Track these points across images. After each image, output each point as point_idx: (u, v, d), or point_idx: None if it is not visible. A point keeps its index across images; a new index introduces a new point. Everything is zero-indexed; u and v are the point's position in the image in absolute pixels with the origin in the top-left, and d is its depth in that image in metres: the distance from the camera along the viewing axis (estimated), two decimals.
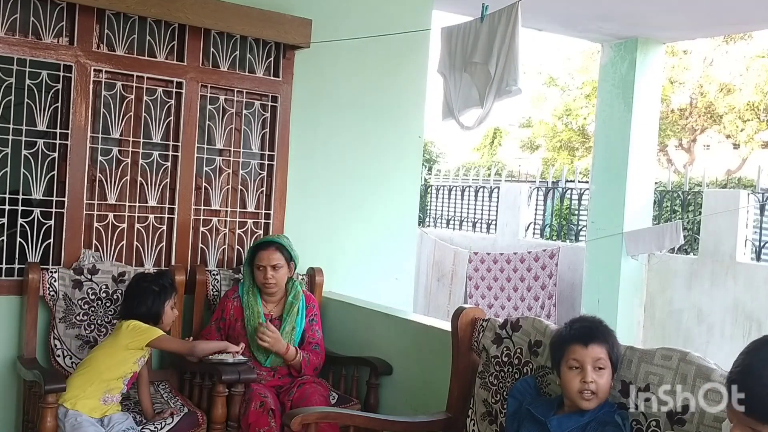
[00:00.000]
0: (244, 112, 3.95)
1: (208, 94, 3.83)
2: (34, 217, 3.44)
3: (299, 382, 3.37)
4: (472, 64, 3.66)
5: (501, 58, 3.47)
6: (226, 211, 3.91)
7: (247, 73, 3.91)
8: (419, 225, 9.25)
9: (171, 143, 3.74)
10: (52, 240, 3.48)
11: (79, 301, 3.38)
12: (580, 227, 8.63)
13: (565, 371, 2.17)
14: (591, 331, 2.18)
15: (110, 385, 2.92)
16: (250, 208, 3.98)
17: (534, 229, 9.04)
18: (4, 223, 3.39)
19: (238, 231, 3.96)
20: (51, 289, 3.33)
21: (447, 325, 2.92)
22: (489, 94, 3.54)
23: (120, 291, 3.42)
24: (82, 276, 3.41)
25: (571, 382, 2.14)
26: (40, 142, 3.45)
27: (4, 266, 3.42)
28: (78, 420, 2.83)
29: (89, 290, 3.41)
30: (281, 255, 3.45)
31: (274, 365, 3.42)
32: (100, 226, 3.58)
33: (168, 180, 3.75)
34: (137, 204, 3.69)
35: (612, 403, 2.17)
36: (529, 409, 2.23)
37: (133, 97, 3.63)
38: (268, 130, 4.03)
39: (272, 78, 3.99)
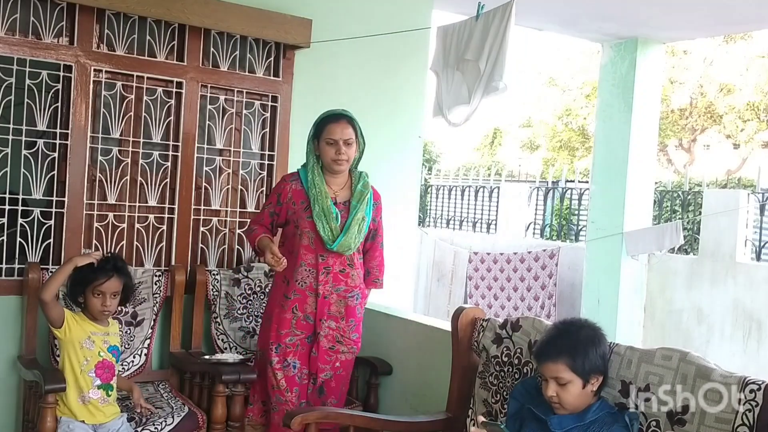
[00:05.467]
0: (244, 112, 3.95)
1: (208, 94, 3.83)
2: (34, 217, 3.44)
3: (331, 365, 3.25)
4: (464, 62, 3.66)
5: (492, 55, 3.48)
6: (226, 211, 3.91)
7: (247, 73, 3.91)
8: (419, 225, 9.25)
9: (171, 143, 3.74)
10: (52, 240, 3.48)
11: None
12: (580, 227, 8.63)
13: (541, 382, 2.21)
14: (546, 348, 2.19)
15: (80, 382, 2.85)
16: (250, 208, 3.98)
17: (534, 229, 9.05)
18: (4, 223, 3.39)
19: (238, 231, 3.96)
20: None
21: (447, 325, 2.92)
22: (477, 90, 3.55)
23: None
24: None
25: (544, 393, 2.18)
26: (40, 142, 3.45)
27: (4, 266, 3.42)
28: (70, 426, 2.81)
29: None
30: (353, 130, 3.17)
31: (342, 250, 3.18)
32: (100, 226, 3.59)
33: (168, 180, 3.75)
34: (137, 204, 3.69)
35: (611, 405, 2.17)
36: (531, 408, 2.24)
37: (133, 97, 3.63)
38: (268, 130, 4.03)
39: (272, 78, 3.99)
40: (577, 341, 2.16)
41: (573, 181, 9.32)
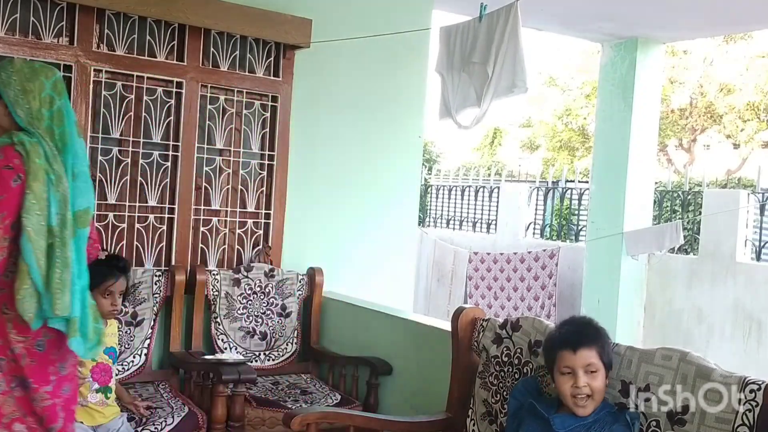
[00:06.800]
0: (244, 112, 3.95)
1: (208, 94, 3.83)
2: None
3: None
4: (470, 64, 3.66)
5: (500, 59, 3.47)
6: (226, 211, 3.91)
7: (247, 73, 3.91)
8: (419, 225, 9.25)
9: (171, 143, 3.74)
10: None
11: None
12: (580, 227, 8.63)
13: (558, 377, 2.17)
14: (579, 335, 2.17)
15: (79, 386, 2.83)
16: (250, 208, 3.98)
17: (534, 229, 9.04)
18: None
19: (238, 231, 3.96)
20: None
21: (447, 325, 2.92)
22: (486, 94, 3.54)
23: None
24: None
25: (564, 386, 2.13)
26: None
27: None
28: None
29: None
30: None
31: None
32: (100, 226, 3.58)
33: (168, 180, 3.75)
34: (137, 204, 3.69)
35: (612, 404, 2.17)
36: (533, 402, 2.22)
37: (133, 97, 3.63)
38: (268, 130, 4.03)
39: (272, 78, 3.99)
40: (600, 333, 2.19)
41: (573, 181, 9.32)
